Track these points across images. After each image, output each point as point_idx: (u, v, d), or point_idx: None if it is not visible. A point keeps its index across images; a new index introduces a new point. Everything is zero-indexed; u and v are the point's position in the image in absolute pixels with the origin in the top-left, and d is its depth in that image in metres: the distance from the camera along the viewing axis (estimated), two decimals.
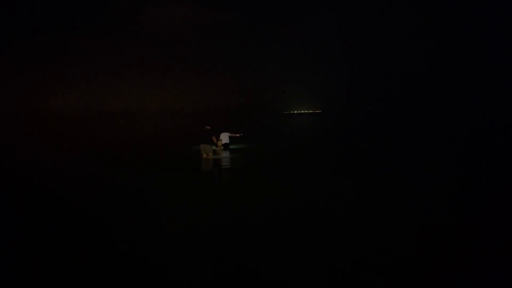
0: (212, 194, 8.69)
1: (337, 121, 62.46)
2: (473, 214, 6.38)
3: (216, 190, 9.37)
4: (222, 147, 17.46)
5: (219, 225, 6.18)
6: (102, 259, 4.95)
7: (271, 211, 7.11)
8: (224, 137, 17.62)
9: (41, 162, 16.17)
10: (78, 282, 4.28)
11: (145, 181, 10.69)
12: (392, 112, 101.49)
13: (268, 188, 9.21)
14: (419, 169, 10.97)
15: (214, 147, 17.70)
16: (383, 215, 6.40)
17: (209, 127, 15.64)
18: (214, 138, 15.90)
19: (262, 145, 20.59)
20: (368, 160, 13.11)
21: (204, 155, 15.06)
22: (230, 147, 17.63)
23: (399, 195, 7.82)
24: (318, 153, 17.34)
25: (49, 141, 30.57)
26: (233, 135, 18.14)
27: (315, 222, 6.18)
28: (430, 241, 5.20)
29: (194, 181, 10.65)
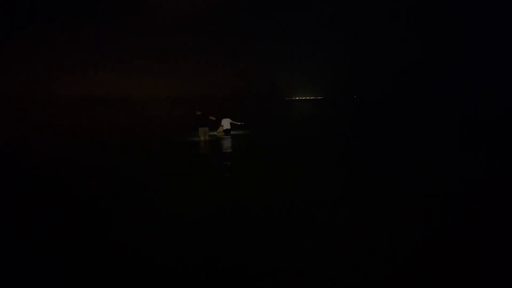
0: (207, 179, 8.90)
1: (339, 108, 62.11)
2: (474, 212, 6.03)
3: (210, 175, 9.50)
4: (223, 133, 17.87)
5: (213, 213, 6.12)
6: (94, 248, 4.95)
7: (265, 198, 7.16)
8: (226, 123, 18.02)
9: (49, 149, 16.52)
10: (75, 277, 4.22)
11: (147, 165, 11.03)
12: (391, 100, 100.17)
13: (262, 174, 9.35)
14: (423, 164, 10.22)
15: (215, 133, 18.12)
16: (383, 211, 6.07)
17: (199, 112, 16.12)
18: (212, 117, 16.44)
19: (261, 131, 20.78)
20: (367, 152, 12.83)
21: (202, 138, 15.82)
22: (231, 132, 18.04)
23: (400, 191, 7.37)
24: (315, 140, 17.45)
25: (62, 126, 30.84)
26: (234, 122, 18.51)
27: (307, 214, 6.00)
28: (432, 240, 4.98)
29: (191, 165, 11.11)
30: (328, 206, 6.45)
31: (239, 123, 18.93)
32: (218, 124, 18.37)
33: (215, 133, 18.19)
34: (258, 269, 4.26)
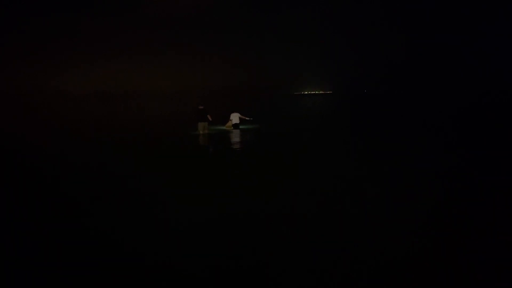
0: (213, 175, 8.95)
1: (348, 103, 61.60)
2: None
3: (216, 171, 9.51)
4: (232, 127, 18.07)
5: (218, 215, 5.98)
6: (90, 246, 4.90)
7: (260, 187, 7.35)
8: (235, 118, 18.22)
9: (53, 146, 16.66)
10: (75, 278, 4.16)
11: (149, 162, 10.99)
12: (398, 94, 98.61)
13: (266, 171, 9.34)
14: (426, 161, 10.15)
15: (224, 127, 18.34)
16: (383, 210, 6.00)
17: (202, 107, 16.68)
18: (209, 116, 16.81)
19: (270, 126, 20.74)
20: (375, 147, 12.76)
21: (201, 132, 16.48)
22: (240, 127, 18.21)
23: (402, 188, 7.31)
24: (324, 135, 17.44)
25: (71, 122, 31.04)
26: (243, 117, 18.67)
27: (308, 215, 5.84)
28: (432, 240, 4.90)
29: (194, 159, 11.37)
30: (336, 206, 6.30)
31: (248, 118, 19.06)
32: (227, 119, 18.59)
33: (224, 127, 18.40)
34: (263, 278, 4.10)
